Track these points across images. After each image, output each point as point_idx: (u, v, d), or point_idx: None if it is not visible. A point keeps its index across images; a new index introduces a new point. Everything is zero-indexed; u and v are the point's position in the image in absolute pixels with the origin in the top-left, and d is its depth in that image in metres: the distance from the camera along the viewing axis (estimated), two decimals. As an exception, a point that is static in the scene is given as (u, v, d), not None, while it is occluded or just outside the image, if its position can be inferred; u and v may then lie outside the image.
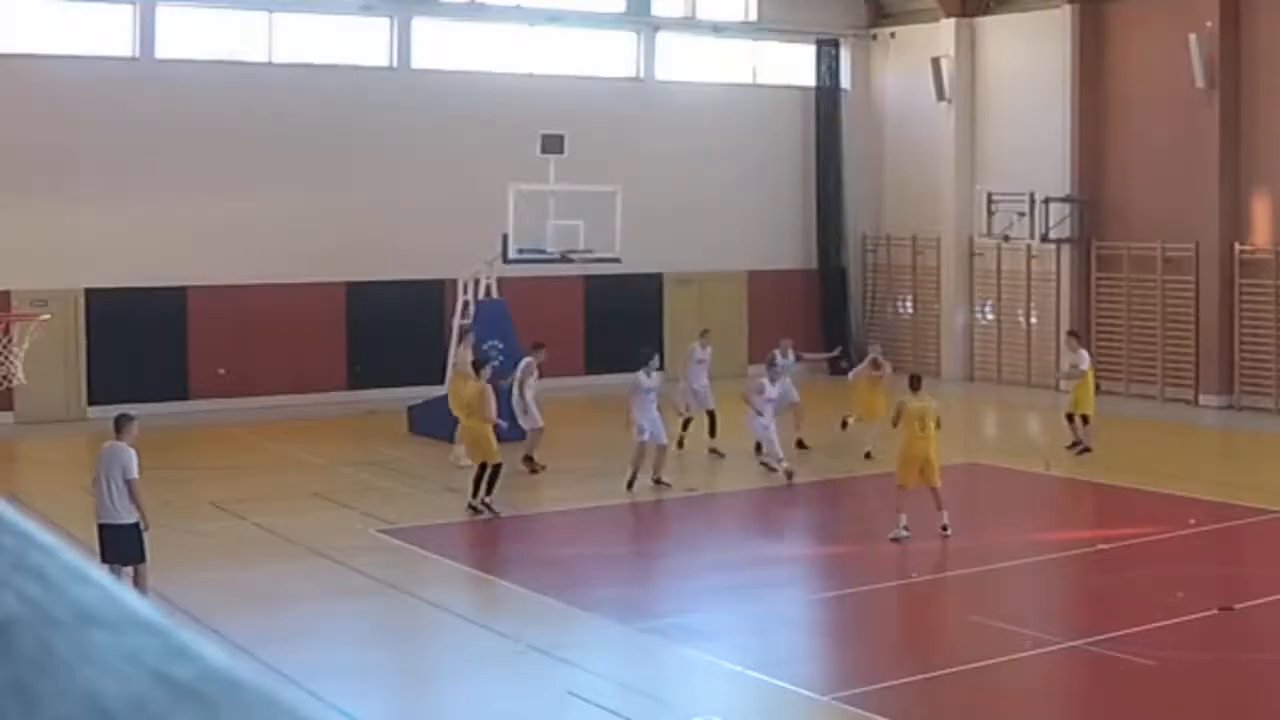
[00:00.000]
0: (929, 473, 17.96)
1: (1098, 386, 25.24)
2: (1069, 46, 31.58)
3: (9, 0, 28.43)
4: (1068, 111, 31.62)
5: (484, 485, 19.51)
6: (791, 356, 24.19)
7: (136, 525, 14.37)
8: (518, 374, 23.13)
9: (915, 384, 19.06)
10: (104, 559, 14.04)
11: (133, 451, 14.34)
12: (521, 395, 22.95)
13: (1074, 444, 24.14)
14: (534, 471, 22.36)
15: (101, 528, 14.40)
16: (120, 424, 14.60)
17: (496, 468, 19.49)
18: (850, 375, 25.64)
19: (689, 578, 17.11)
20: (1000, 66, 33.56)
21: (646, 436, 21.06)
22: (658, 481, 21.16)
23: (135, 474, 14.22)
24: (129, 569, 14.15)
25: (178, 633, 0.75)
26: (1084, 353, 25.07)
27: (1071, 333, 27.07)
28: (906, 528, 17.83)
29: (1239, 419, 27.96)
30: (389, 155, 30.41)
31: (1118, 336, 31.14)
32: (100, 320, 28.29)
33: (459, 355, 23.75)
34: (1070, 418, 24.42)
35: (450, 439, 23.18)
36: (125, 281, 28.25)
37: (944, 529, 17.90)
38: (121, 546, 14.22)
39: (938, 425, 18.25)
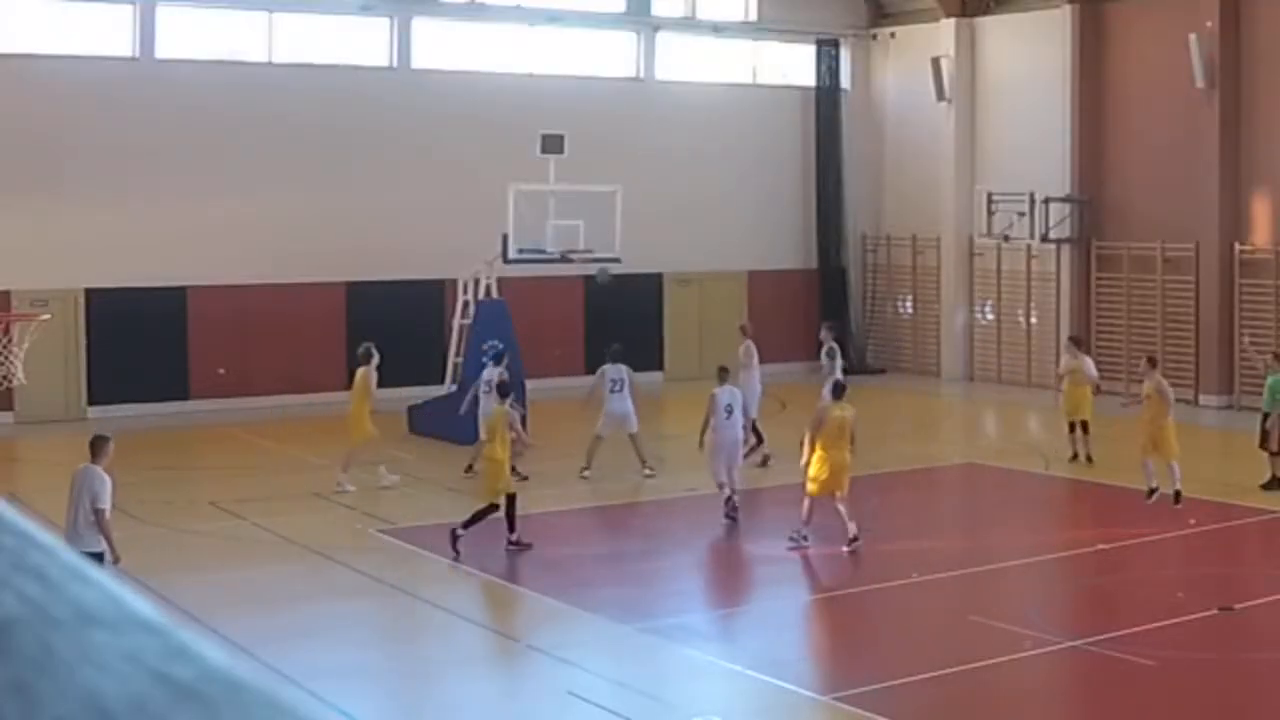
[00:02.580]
0: (840, 480, 17.55)
1: (1098, 388, 24.93)
2: (1069, 46, 31.59)
3: (9, 0, 28.44)
4: (1068, 111, 31.63)
5: (507, 521, 17.65)
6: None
7: (101, 556, 13.06)
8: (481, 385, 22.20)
9: (839, 392, 18.58)
10: None
11: (106, 478, 13.48)
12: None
13: (1074, 456, 23.41)
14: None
15: None
16: (95, 445, 13.80)
17: (511, 499, 17.78)
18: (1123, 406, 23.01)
19: (689, 578, 17.11)
20: (1000, 66, 33.56)
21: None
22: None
23: (105, 503, 13.31)
24: None
25: (178, 633, 0.75)
26: (1088, 359, 24.12)
27: (1073, 338, 25.67)
28: (806, 536, 17.49)
29: (1239, 419, 27.93)
30: (389, 155, 30.41)
31: (1118, 336, 31.14)
32: (100, 320, 28.29)
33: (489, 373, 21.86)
34: (1072, 427, 23.55)
35: (451, 439, 23.13)
36: (125, 281, 28.25)
37: (853, 540, 17.36)
38: None
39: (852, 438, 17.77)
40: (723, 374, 20.23)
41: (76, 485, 13.66)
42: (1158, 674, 13.22)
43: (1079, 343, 25.19)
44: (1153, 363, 21.81)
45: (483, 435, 21.74)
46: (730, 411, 19.52)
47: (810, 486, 17.51)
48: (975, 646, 14.04)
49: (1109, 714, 12.73)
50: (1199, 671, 13.61)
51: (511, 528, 17.64)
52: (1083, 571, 17.16)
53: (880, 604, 16.19)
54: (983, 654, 13.80)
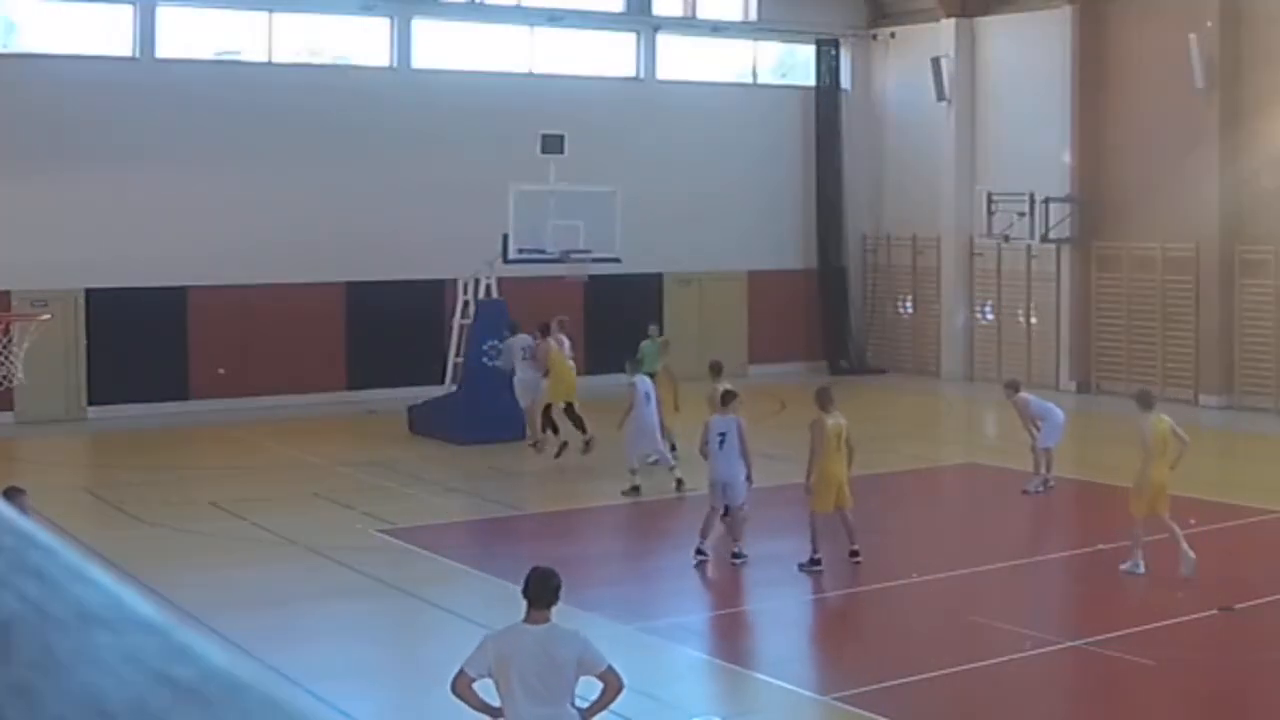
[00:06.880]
0: (843, 496, 16.93)
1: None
2: (1069, 46, 31.59)
3: (9, 0, 28.45)
4: (1068, 111, 31.63)
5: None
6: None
7: None
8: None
9: (826, 400, 17.20)
10: None
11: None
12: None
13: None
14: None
15: None
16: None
17: None
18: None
19: (689, 578, 17.10)
20: (1000, 66, 33.56)
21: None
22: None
23: None
24: None
25: (179, 633, 0.75)
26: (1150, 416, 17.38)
27: (1144, 392, 18.58)
28: (820, 558, 16.75)
29: (1239, 419, 27.95)
30: (389, 155, 30.41)
31: (1117, 336, 31.14)
32: (100, 320, 28.29)
33: None
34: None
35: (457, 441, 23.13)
36: (125, 281, 28.25)
37: (854, 554, 16.84)
38: None
39: (850, 444, 17.02)
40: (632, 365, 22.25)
41: None
42: (1158, 674, 13.21)
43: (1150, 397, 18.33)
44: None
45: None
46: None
47: (815, 504, 16.97)
48: (975, 646, 14.03)
49: (1109, 714, 12.72)
50: (1199, 671, 13.60)
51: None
52: (1083, 571, 17.16)
53: (880, 604, 16.18)
54: (983, 654, 13.80)
